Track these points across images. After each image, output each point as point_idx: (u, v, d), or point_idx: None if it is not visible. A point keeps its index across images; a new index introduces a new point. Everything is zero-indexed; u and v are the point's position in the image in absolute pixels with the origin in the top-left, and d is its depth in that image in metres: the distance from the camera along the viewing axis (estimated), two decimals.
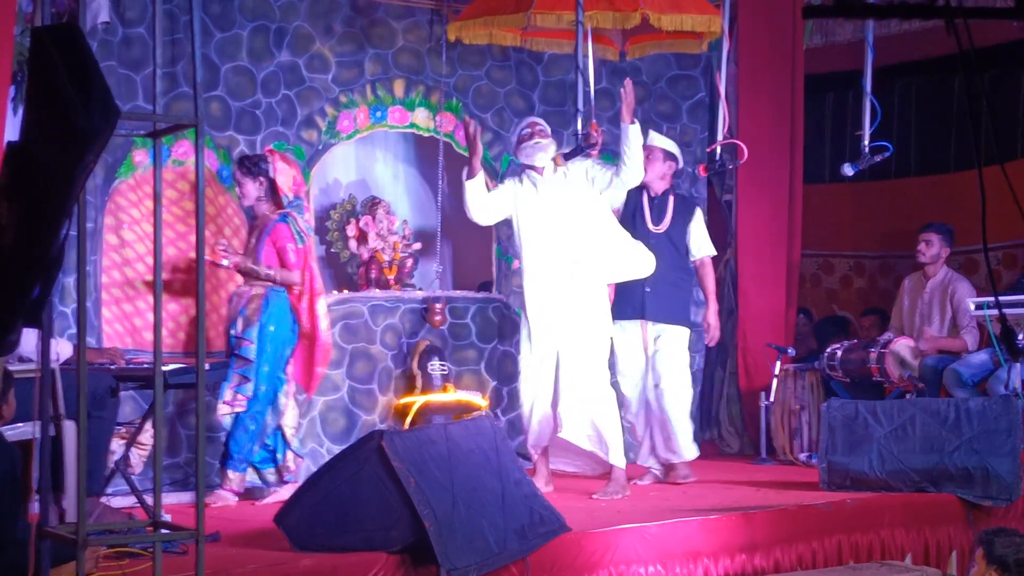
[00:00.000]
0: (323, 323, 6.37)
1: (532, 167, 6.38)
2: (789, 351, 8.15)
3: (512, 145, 6.55)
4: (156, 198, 3.46)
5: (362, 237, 7.56)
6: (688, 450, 6.91)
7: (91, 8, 6.29)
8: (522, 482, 5.13)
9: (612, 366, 7.05)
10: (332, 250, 7.76)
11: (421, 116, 7.70)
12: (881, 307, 8.96)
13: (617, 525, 5.27)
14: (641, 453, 7.01)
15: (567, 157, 6.35)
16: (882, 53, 7.30)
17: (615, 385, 6.80)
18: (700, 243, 6.96)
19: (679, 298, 6.90)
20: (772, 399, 7.97)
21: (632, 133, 6.25)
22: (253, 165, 6.26)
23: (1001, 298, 6.41)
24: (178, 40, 6.84)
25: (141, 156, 6.79)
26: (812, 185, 9.09)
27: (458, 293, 7.77)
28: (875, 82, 7.13)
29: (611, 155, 8.25)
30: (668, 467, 6.91)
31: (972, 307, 7.16)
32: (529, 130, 6.37)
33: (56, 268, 2.88)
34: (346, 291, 7.45)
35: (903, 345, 7.63)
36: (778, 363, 8.04)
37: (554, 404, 6.40)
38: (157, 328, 3.49)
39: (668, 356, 6.83)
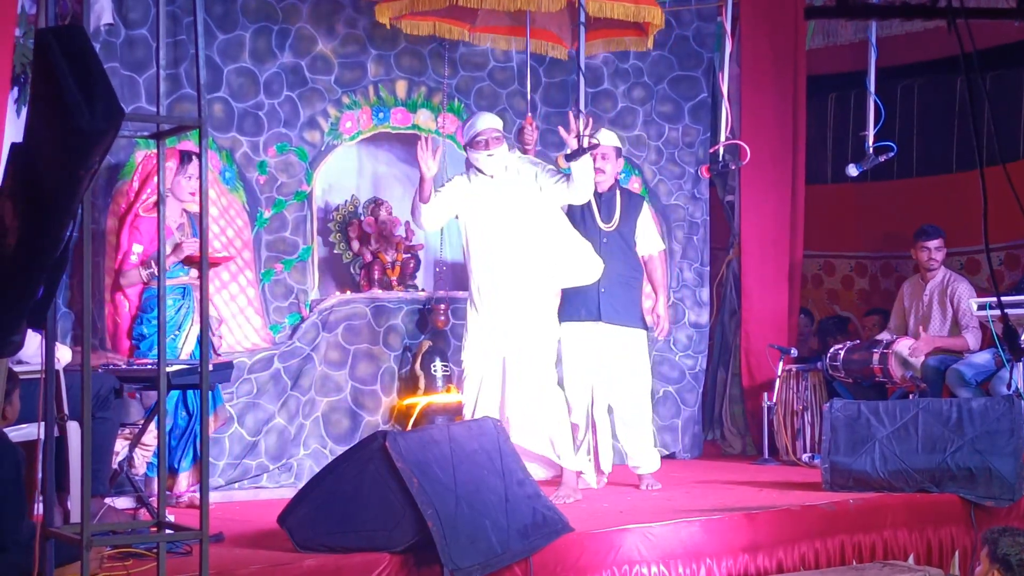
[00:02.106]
0: None
1: (481, 171, 6.29)
2: (791, 351, 8.15)
3: (464, 140, 6.39)
4: (159, 199, 3.47)
5: (364, 238, 7.56)
6: (655, 461, 6.80)
7: (94, 10, 6.31)
8: (525, 482, 5.14)
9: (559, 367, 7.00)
10: (335, 251, 7.76)
11: (423, 117, 7.70)
12: (883, 308, 8.97)
13: (620, 525, 5.28)
14: (577, 456, 6.70)
15: (569, 159, 6.34)
16: (884, 54, 7.30)
17: (561, 387, 6.73)
18: (648, 239, 6.78)
19: (633, 298, 6.70)
20: (774, 399, 7.97)
21: (584, 164, 6.15)
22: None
23: (1003, 298, 6.41)
24: (181, 42, 6.84)
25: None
26: (814, 186, 9.10)
27: (461, 293, 7.76)
28: (877, 83, 7.13)
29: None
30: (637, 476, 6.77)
31: (974, 307, 7.16)
32: (484, 138, 6.20)
33: (60, 269, 2.89)
34: (348, 292, 7.46)
35: (906, 345, 7.63)
36: (780, 363, 8.05)
37: (501, 408, 6.27)
38: (161, 329, 3.50)
39: (629, 363, 6.65)
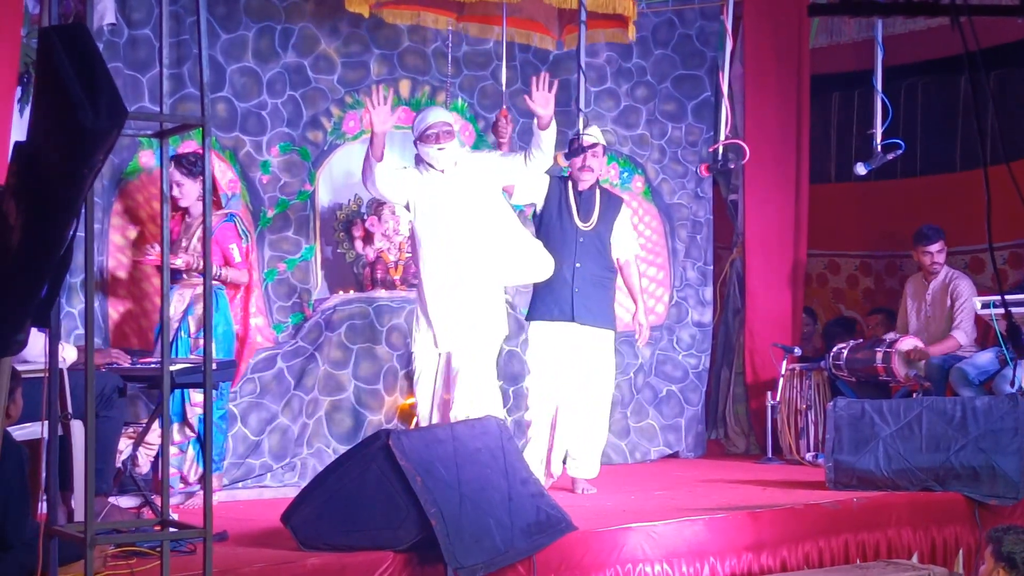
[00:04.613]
0: (254, 320, 6.46)
1: (432, 165, 6.12)
2: (795, 350, 8.15)
3: (414, 133, 6.19)
4: (163, 198, 3.47)
5: (368, 237, 7.56)
6: (595, 467, 6.65)
7: (97, 9, 6.32)
8: (528, 481, 5.14)
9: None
10: (338, 250, 7.76)
11: None
12: (887, 306, 8.97)
13: (623, 524, 5.27)
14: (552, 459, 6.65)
15: (568, 156, 6.30)
16: (888, 53, 7.28)
17: (524, 387, 6.65)
18: (625, 242, 6.64)
19: (606, 299, 6.58)
20: (778, 399, 7.97)
21: (549, 134, 5.98)
22: (192, 165, 6.17)
23: (1007, 297, 6.40)
24: (184, 41, 6.85)
25: (147, 157, 6.81)
26: (818, 185, 9.09)
27: None
28: (882, 81, 7.12)
29: (618, 156, 8.27)
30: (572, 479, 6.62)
31: (979, 305, 7.15)
32: (434, 131, 6.04)
33: (64, 268, 2.89)
34: (352, 291, 7.46)
35: (908, 344, 7.63)
36: (784, 363, 8.04)
37: (445, 405, 6.12)
38: (164, 328, 3.51)
39: (595, 363, 6.52)
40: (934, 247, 7.77)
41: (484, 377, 6.10)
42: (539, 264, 6.31)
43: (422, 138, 6.07)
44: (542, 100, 5.91)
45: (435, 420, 6.12)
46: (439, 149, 6.03)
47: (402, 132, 7.82)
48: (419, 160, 6.19)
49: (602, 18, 6.87)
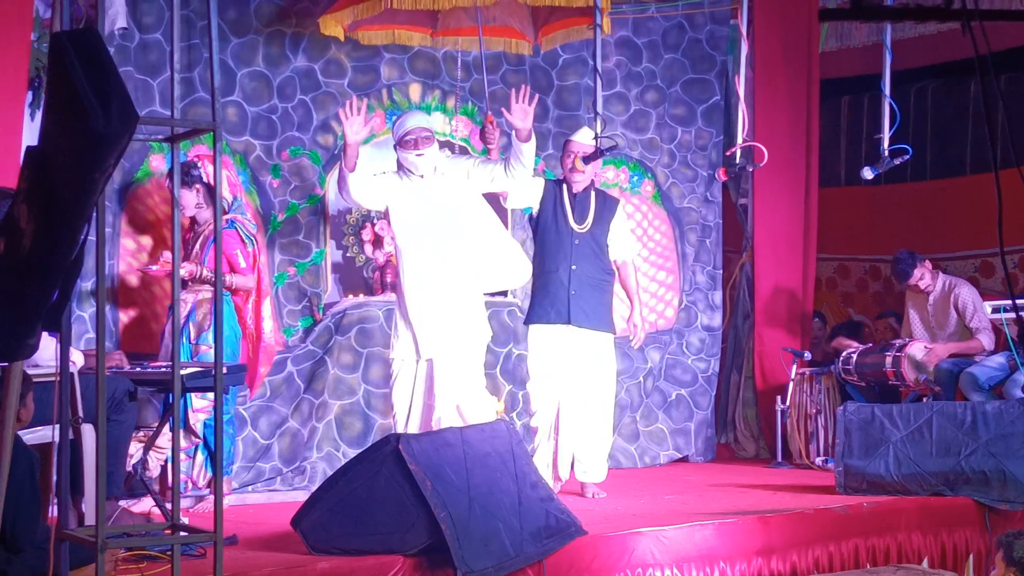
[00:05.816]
0: (267, 324, 6.42)
1: (411, 171, 6.04)
2: (805, 355, 8.13)
3: (393, 139, 6.10)
4: (173, 202, 3.48)
5: (377, 241, 7.56)
6: (603, 471, 6.61)
7: (108, 14, 6.34)
8: (538, 485, 5.14)
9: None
10: (348, 254, 7.77)
11: (437, 121, 7.70)
12: (896, 310, 8.95)
13: (633, 529, 5.27)
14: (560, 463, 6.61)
15: (586, 161, 6.29)
16: (898, 56, 7.29)
17: (526, 391, 6.64)
18: (621, 243, 6.58)
19: (603, 301, 6.51)
20: (788, 403, 7.96)
21: (528, 148, 5.92)
22: (185, 174, 6.12)
23: (1018, 301, 6.39)
24: (194, 45, 6.87)
25: (157, 162, 6.82)
26: (828, 188, 9.08)
27: None
28: (891, 85, 7.12)
29: (627, 159, 8.28)
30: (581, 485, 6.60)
31: (989, 310, 7.13)
32: (413, 137, 5.95)
33: (75, 272, 2.90)
34: (362, 295, 7.46)
35: (919, 348, 7.61)
36: (794, 367, 8.03)
37: (430, 411, 6.01)
38: (175, 332, 3.52)
39: (596, 367, 6.47)
40: (915, 278, 7.72)
41: (472, 382, 6.04)
42: (515, 270, 6.27)
43: (401, 143, 6.00)
44: (520, 113, 5.86)
45: (417, 426, 6.02)
46: (418, 155, 5.96)
47: None
48: (400, 165, 6.13)
49: (577, 13, 6.81)
